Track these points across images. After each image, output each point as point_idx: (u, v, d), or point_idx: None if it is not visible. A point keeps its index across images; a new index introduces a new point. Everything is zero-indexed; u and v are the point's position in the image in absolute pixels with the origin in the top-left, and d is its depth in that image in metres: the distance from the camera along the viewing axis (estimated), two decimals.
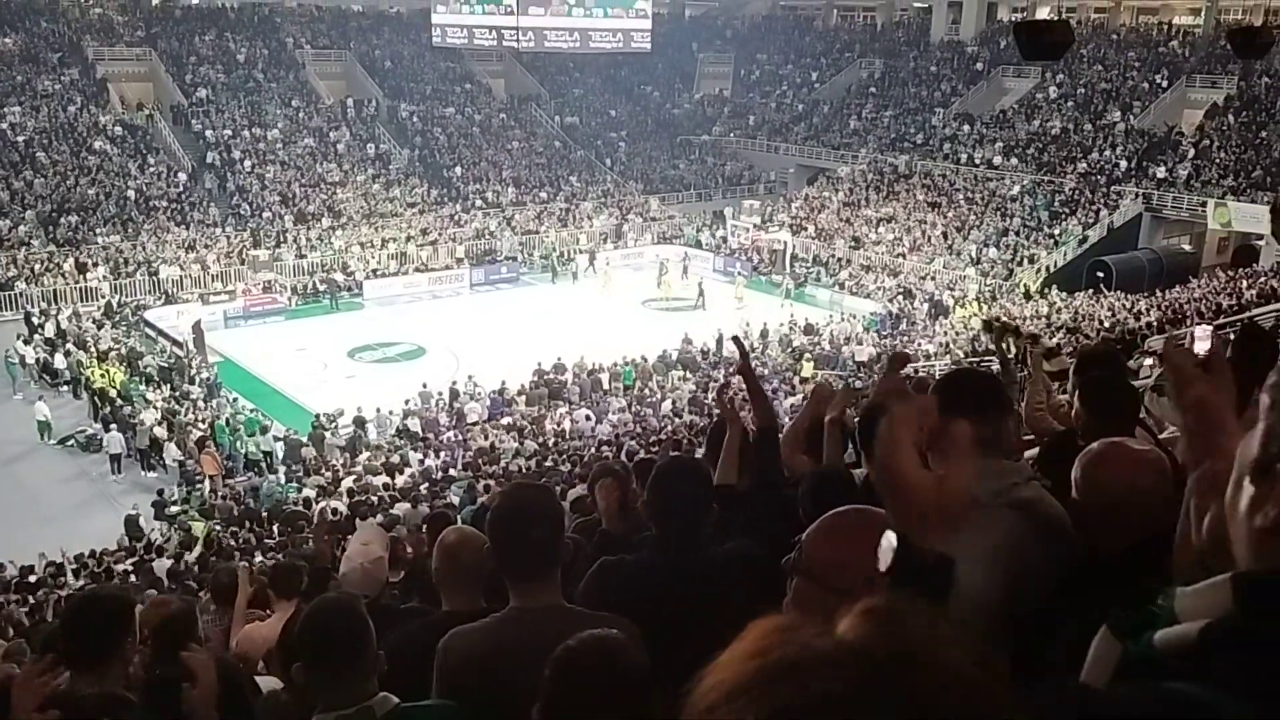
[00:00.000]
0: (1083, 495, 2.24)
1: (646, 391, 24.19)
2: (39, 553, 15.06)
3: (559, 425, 21.60)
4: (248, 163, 38.59)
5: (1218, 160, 35.00)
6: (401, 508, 14.82)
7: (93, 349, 25.96)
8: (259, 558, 12.67)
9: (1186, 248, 35.80)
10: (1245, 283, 26.95)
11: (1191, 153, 35.74)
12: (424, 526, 8.04)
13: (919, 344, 26.70)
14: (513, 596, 2.55)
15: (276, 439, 21.83)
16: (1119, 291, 29.27)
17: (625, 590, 2.84)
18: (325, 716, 2.39)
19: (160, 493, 19.41)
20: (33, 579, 14.19)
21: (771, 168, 47.40)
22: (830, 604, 1.71)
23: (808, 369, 25.39)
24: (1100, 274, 31.31)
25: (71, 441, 22.27)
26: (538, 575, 2.53)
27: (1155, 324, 21.82)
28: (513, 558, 2.54)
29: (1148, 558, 2.03)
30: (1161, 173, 35.43)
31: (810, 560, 1.84)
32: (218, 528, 16.22)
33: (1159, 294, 28.05)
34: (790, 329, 29.17)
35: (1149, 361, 13.55)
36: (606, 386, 24.95)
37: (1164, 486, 2.19)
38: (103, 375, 24.17)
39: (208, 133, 39.23)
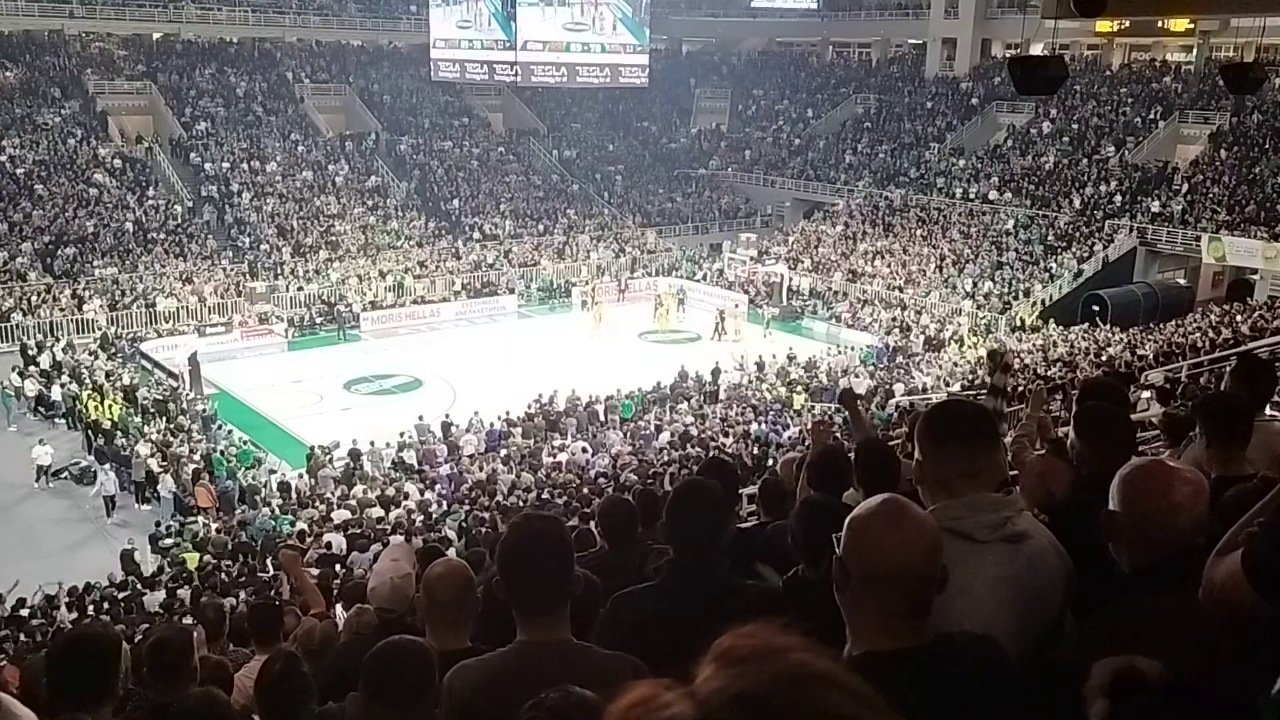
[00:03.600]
0: (1122, 508, 2.24)
1: (643, 424, 24.14)
2: (39, 584, 14.92)
3: (555, 458, 21.53)
4: (246, 195, 38.72)
5: (1211, 195, 35.22)
6: (396, 541, 14.73)
7: (88, 381, 25.90)
8: (243, 594, 12.58)
9: (1181, 282, 35.91)
10: (1240, 317, 27.01)
11: (1185, 187, 35.96)
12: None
13: (916, 377, 26.70)
14: (520, 630, 2.49)
15: (272, 471, 21.77)
16: (1114, 325, 29.33)
17: (642, 617, 2.81)
18: None
19: (157, 524, 19.30)
20: (24, 612, 14.06)
21: (768, 201, 47.67)
22: (888, 596, 1.77)
23: (798, 401, 25.37)
24: (1095, 308, 31.37)
25: (65, 474, 22.15)
26: (547, 609, 2.47)
27: (1152, 358, 21.84)
28: (522, 590, 2.47)
29: (1173, 574, 2.10)
30: (1156, 207, 35.63)
31: (860, 554, 1.84)
32: (211, 560, 16.11)
33: (1155, 328, 28.11)
34: (789, 361, 29.16)
35: (1146, 394, 13.55)
36: (603, 419, 24.90)
37: (1200, 505, 2.20)
38: (97, 408, 24.09)
39: (206, 165, 39.39)
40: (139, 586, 15.14)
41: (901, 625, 1.82)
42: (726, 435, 21.69)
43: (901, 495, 2.02)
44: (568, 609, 2.52)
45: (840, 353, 30.75)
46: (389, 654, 2.47)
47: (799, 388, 26.65)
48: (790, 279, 37.74)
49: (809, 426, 21.29)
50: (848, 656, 1.87)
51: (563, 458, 21.45)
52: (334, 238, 38.07)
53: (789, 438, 20.54)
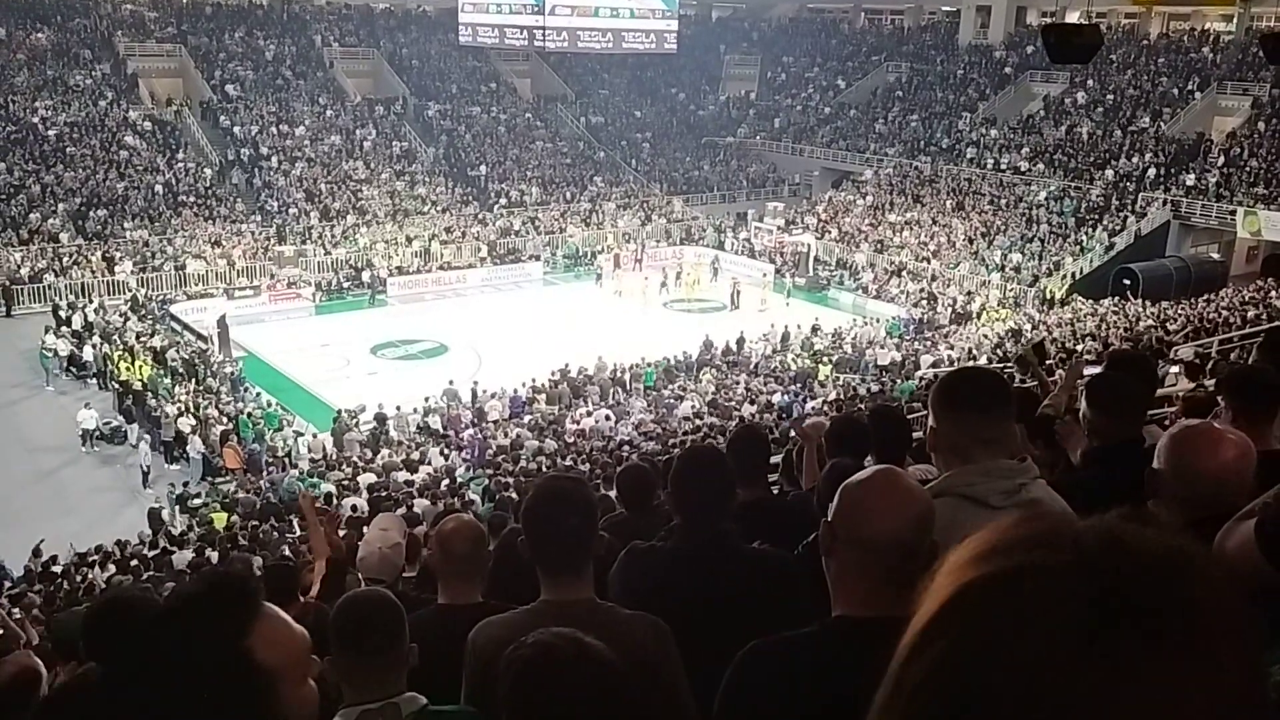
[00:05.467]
0: (1168, 467, 2.28)
1: (667, 392, 24.18)
2: (69, 543, 15.17)
3: (579, 425, 21.61)
4: (275, 159, 38.85)
5: (1248, 168, 34.64)
6: (421, 504, 14.87)
7: (119, 342, 26.19)
8: (286, 549, 12.73)
9: (1215, 256, 35.44)
10: (1275, 292, 26.63)
11: (1221, 160, 35.39)
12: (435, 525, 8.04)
13: (942, 349, 26.56)
14: (544, 589, 2.52)
15: (298, 434, 21.96)
16: (1144, 299, 28.99)
17: (652, 575, 2.83)
18: (350, 711, 2.37)
19: (185, 484, 19.54)
20: (57, 569, 14.31)
21: (796, 170, 47.33)
22: (871, 562, 1.81)
23: (824, 372, 25.30)
24: (1126, 281, 31.03)
25: (97, 432, 22.44)
26: (570, 568, 2.49)
27: (1182, 333, 21.58)
28: (545, 549, 2.50)
29: (1213, 534, 2.11)
30: (1191, 180, 35.09)
31: (848, 520, 1.87)
32: (238, 521, 16.29)
33: (1186, 302, 27.76)
34: (813, 332, 29.06)
35: (1175, 369, 13.41)
36: (627, 387, 24.94)
37: (1247, 469, 2.21)
38: (128, 368, 24.36)
39: (236, 129, 39.53)
40: (167, 545, 15.35)
41: (883, 594, 1.80)
42: (753, 404, 21.69)
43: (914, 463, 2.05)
44: (590, 569, 2.54)
45: (866, 324, 30.61)
46: (352, 607, 2.51)
47: (824, 358, 26.58)
48: (817, 249, 37.52)
49: (822, 406, 21.28)
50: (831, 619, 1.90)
51: (587, 424, 21.53)
52: (362, 203, 38.17)
53: (811, 409, 20.50)
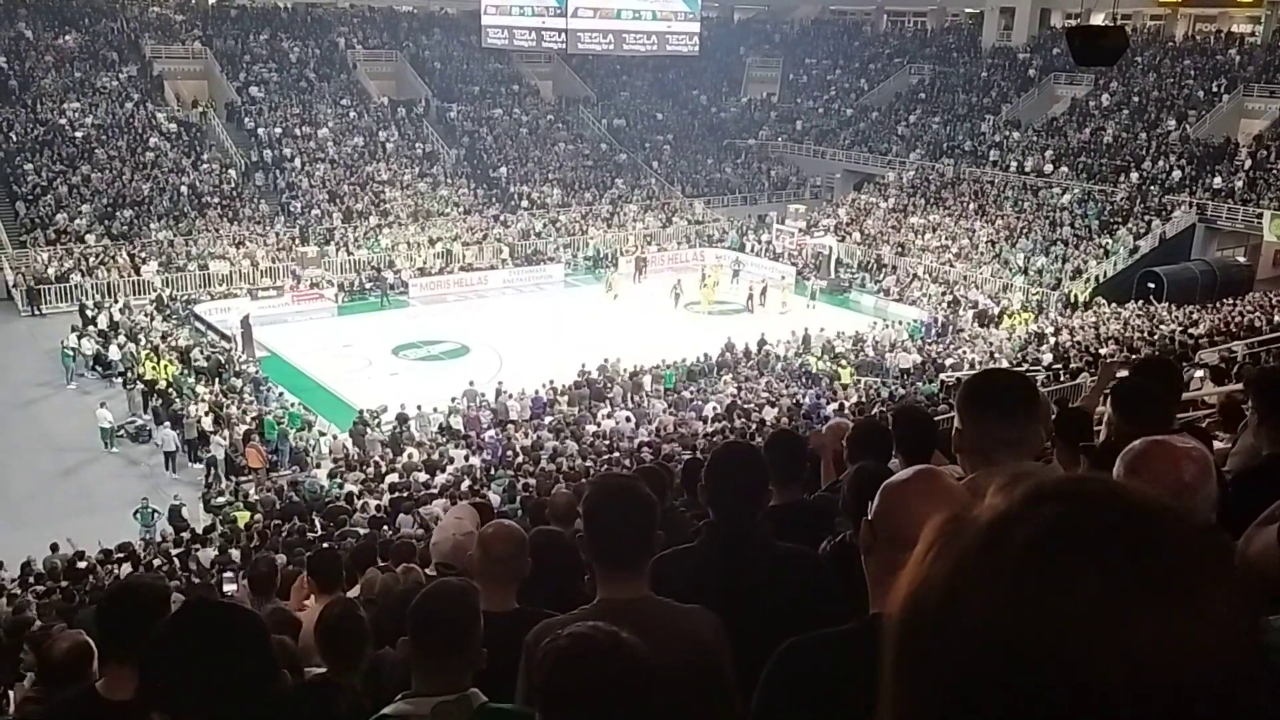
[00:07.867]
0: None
1: (688, 394, 24.16)
2: (97, 540, 15.29)
3: (599, 426, 21.63)
4: (298, 161, 39.10)
5: (1275, 171, 34.31)
6: (441, 504, 14.91)
7: (144, 341, 26.41)
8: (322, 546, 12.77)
9: (1241, 260, 35.11)
10: None
11: (1248, 163, 35.06)
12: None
13: (964, 352, 26.43)
14: (601, 588, 2.51)
15: (321, 434, 22.08)
16: (1170, 303, 28.77)
17: (683, 581, 2.83)
18: (423, 701, 2.39)
19: (208, 486, 19.68)
20: (82, 565, 14.43)
21: (818, 173, 47.22)
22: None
23: (846, 375, 25.23)
24: (1151, 285, 30.78)
25: (121, 432, 22.63)
26: (629, 565, 2.49)
27: (1208, 336, 21.40)
28: (605, 547, 2.50)
29: None
30: (1217, 183, 34.79)
31: (889, 519, 1.87)
32: (260, 519, 16.40)
33: (1212, 306, 27.53)
34: (837, 335, 28.96)
35: (1199, 374, 13.31)
36: (648, 389, 24.95)
37: (1208, 483, 2.16)
38: (154, 368, 24.56)
39: (259, 130, 39.81)
40: (190, 543, 15.46)
41: None
42: (773, 406, 21.65)
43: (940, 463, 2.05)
44: (648, 567, 2.53)
45: (887, 327, 30.49)
46: (432, 600, 2.54)
47: (843, 361, 26.51)
48: (838, 251, 37.40)
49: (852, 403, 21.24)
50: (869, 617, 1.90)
51: (607, 425, 21.55)
52: (384, 204, 38.36)
53: (833, 411, 20.45)
